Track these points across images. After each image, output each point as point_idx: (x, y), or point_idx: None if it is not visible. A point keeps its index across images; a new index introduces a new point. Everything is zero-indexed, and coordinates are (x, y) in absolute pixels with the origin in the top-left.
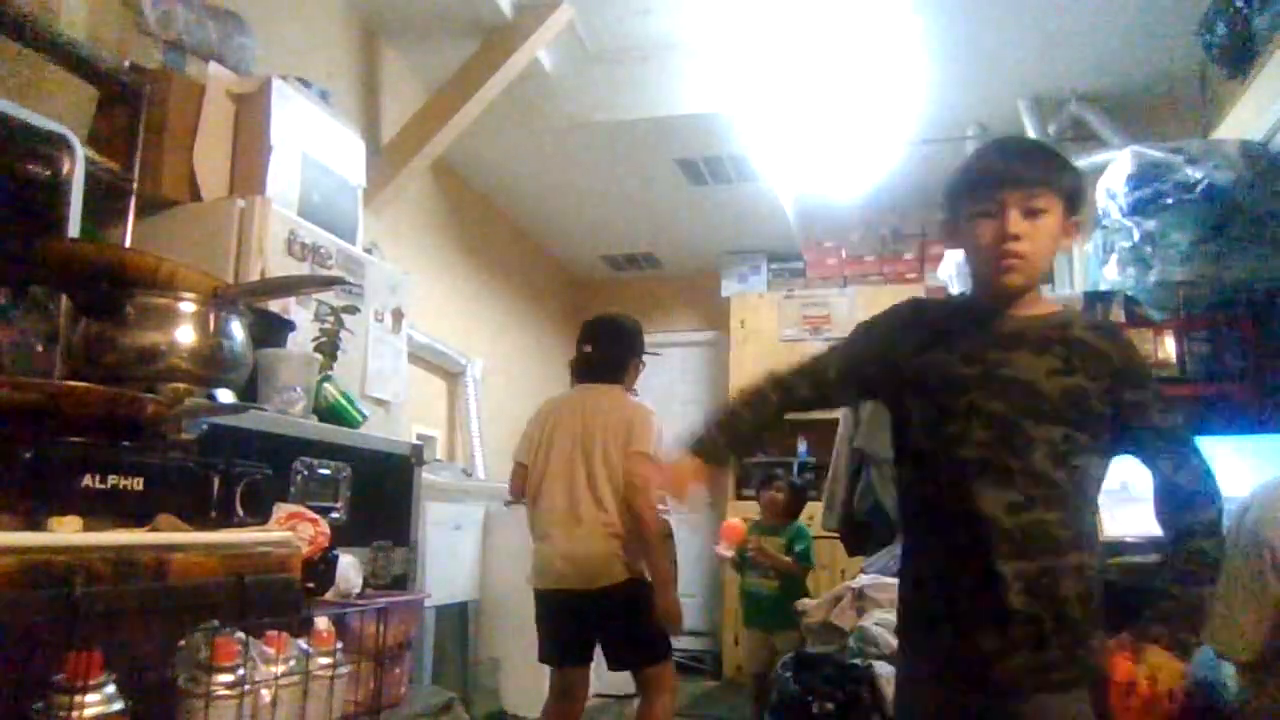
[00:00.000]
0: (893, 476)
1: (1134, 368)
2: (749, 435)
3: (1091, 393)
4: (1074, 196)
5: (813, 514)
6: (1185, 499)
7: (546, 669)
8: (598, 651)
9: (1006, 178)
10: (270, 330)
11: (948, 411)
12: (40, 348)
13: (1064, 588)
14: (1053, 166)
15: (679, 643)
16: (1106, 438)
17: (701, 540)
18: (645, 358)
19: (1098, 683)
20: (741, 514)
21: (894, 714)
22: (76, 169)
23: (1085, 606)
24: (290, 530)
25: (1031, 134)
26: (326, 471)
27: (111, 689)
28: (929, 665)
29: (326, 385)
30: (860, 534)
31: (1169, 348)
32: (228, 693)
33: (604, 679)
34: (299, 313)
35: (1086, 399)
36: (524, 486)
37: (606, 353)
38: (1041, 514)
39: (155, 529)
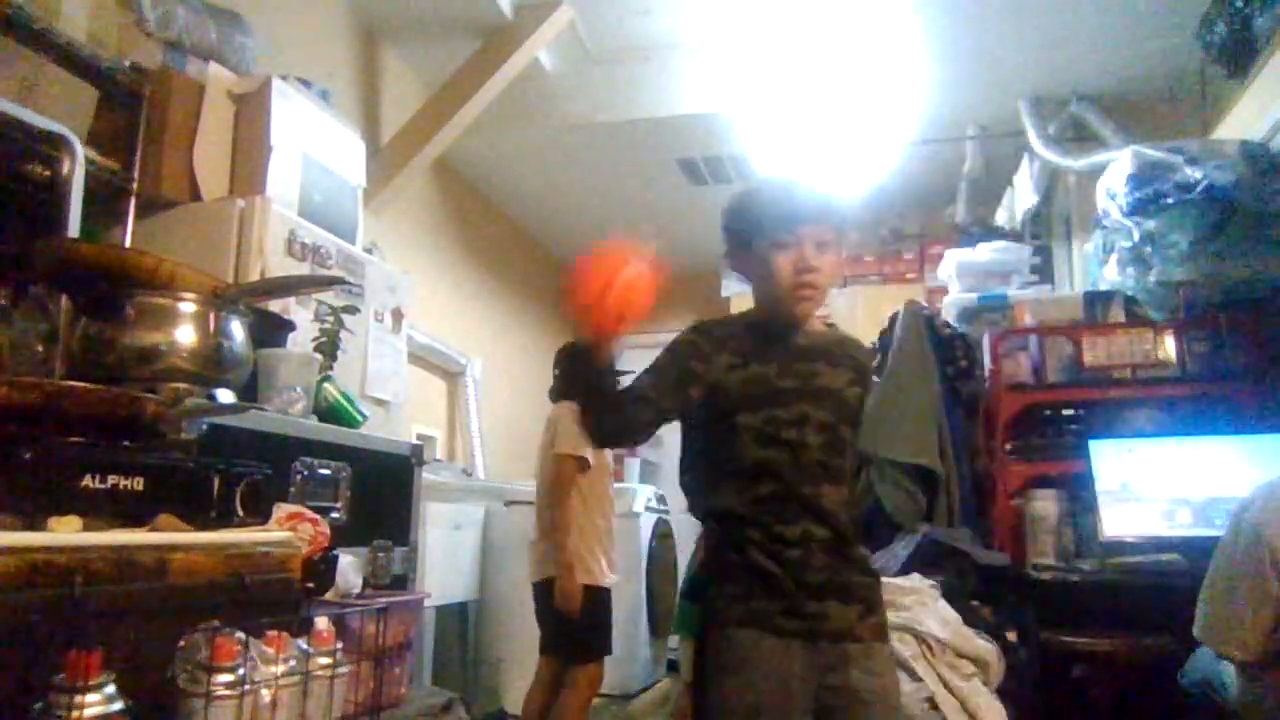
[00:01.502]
0: (892, 479)
1: (872, 373)
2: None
3: (861, 397)
4: (843, 232)
5: None
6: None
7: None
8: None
9: (804, 215)
10: (270, 330)
11: (781, 422)
12: (40, 348)
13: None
14: (835, 207)
15: (672, 640)
16: None
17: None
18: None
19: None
20: None
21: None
22: (76, 169)
23: (874, 578)
24: (290, 530)
25: (1032, 134)
26: (326, 471)
27: (111, 689)
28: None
29: (326, 385)
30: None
31: (1169, 348)
32: (228, 693)
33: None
34: (299, 313)
35: (862, 404)
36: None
37: (564, 378)
38: (852, 508)
39: (155, 529)
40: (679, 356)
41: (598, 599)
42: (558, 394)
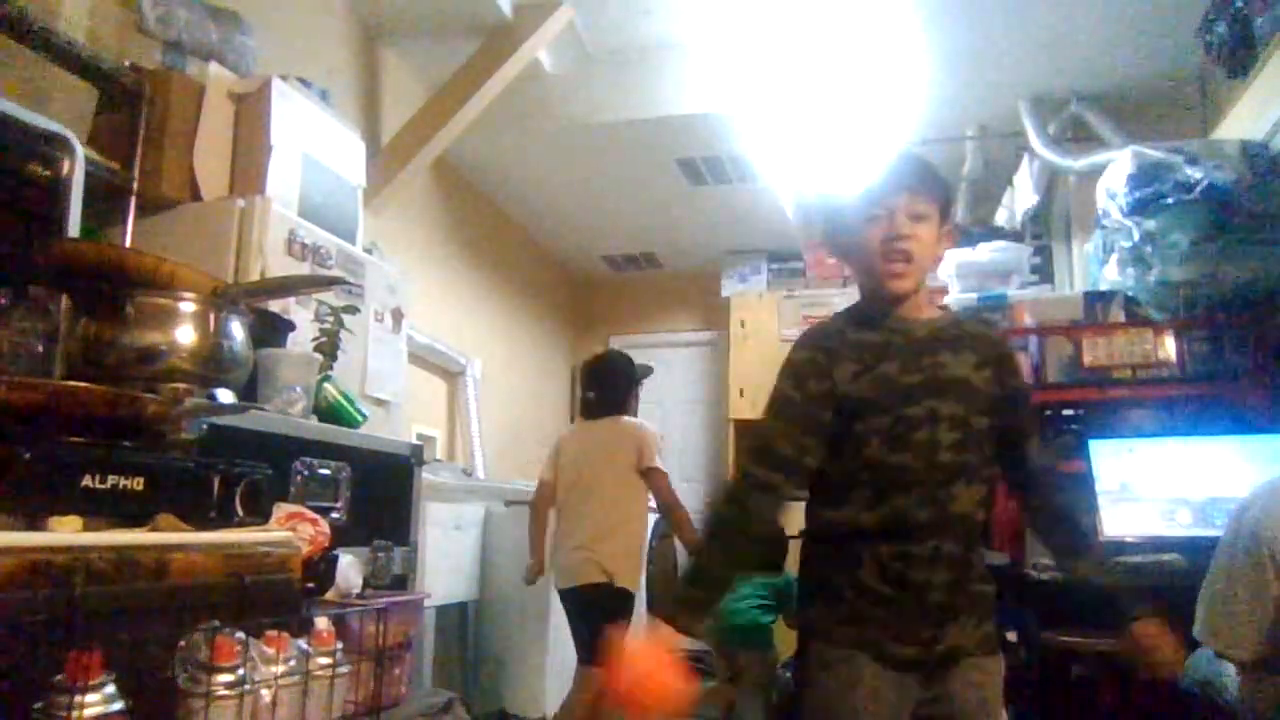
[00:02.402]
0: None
1: (1010, 353)
2: (729, 573)
3: (994, 380)
4: (948, 205)
5: None
6: (1062, 481)
7: (549, 669)
8: None
9: (895, 185)
10: (270, 330)
11: (908, 422)
12: (40, 348)
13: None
14: (930, 175)
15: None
16: None
17: None
18: (645, 375)
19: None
20: None
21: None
22: (76, 169)
23: (988, 585)
24: (290, 530)
25: (1032, 134)
26: (326, 471)
27: (111, 689)
28: (875, 652)
29: (326, 385)
30: None
31: (1169, 348)
32: (228, 693)
33: None
34: (299, 313)
35: (994, 387)
36: (548, 499)
37: (605, 395)
38: (990, 503)
39: (155, 529)
40: (800, 380)
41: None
42: (598, 410)
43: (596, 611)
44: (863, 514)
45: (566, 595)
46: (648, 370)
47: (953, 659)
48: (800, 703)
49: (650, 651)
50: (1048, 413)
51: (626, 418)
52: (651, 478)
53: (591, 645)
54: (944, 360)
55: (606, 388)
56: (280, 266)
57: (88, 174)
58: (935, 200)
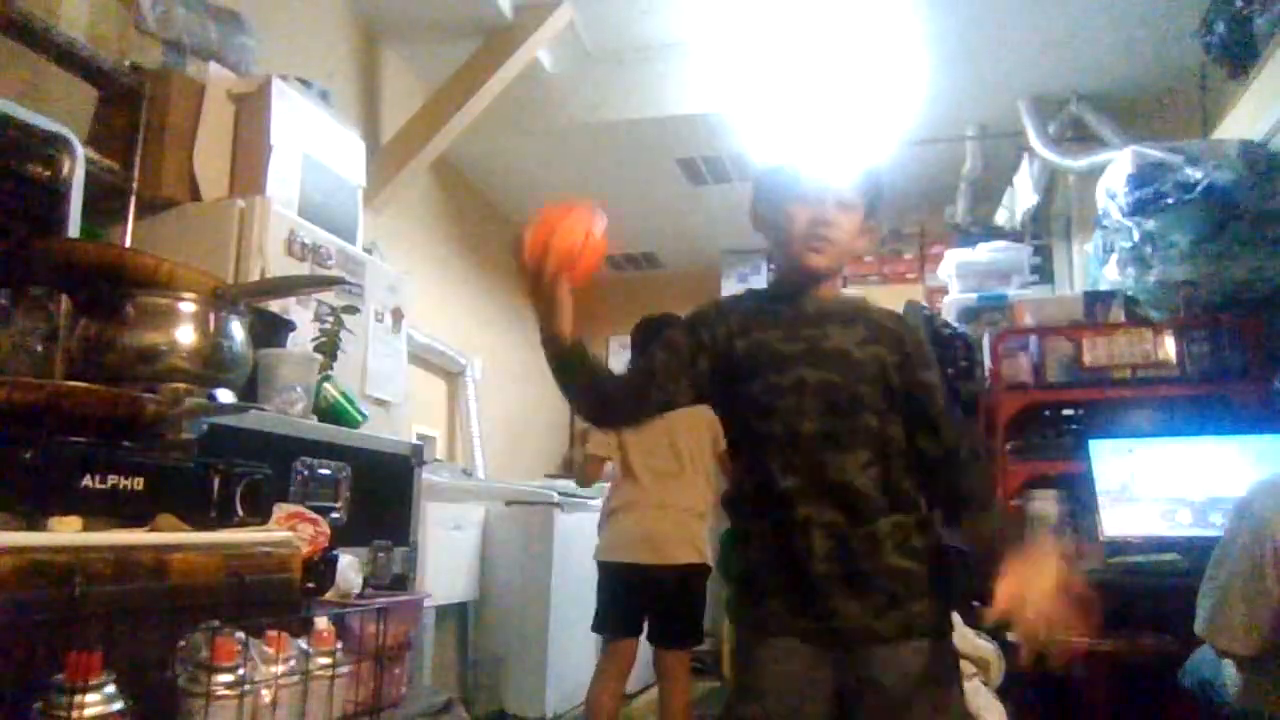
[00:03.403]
0: None
1: (924, 351)
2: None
3: (890, 365)
4: (875, 203)
5: None
6: (964, 465)
7: (549, 669)
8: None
9: (826, 170)
10: (270, 330)
11: (778, 390)
12: (40, 348)
13: (908, 543)
14: (864, 172)
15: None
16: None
17: None
18: None
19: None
20: None
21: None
22: (76, 169)
23: (914, 560)
24: (290, 530)
25: (1031, 134)
26: (326, 471)
27: (111, 689)
28: (776, 626)
29: (326, 385)
30: None
31: (1169, 348)
32: (228, 693)
33: None
34: (299, 313)
35: (887, 369)
36: (598, 475)
37: None
38: (894, 474)
39: (155, 529)
40: (688, 327)
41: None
42: None
43: (686, 594)
44: (744, 482)
45: (628, 570)
46: None
47: (869, 639)
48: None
49: (558, 211)
50: (1048, 413)
51: None
52: (725, 462)
53: (671, 626)
54: (828, 333)
55: None
56: (280, 266)
57: (88, 174)
58: (863, 194)
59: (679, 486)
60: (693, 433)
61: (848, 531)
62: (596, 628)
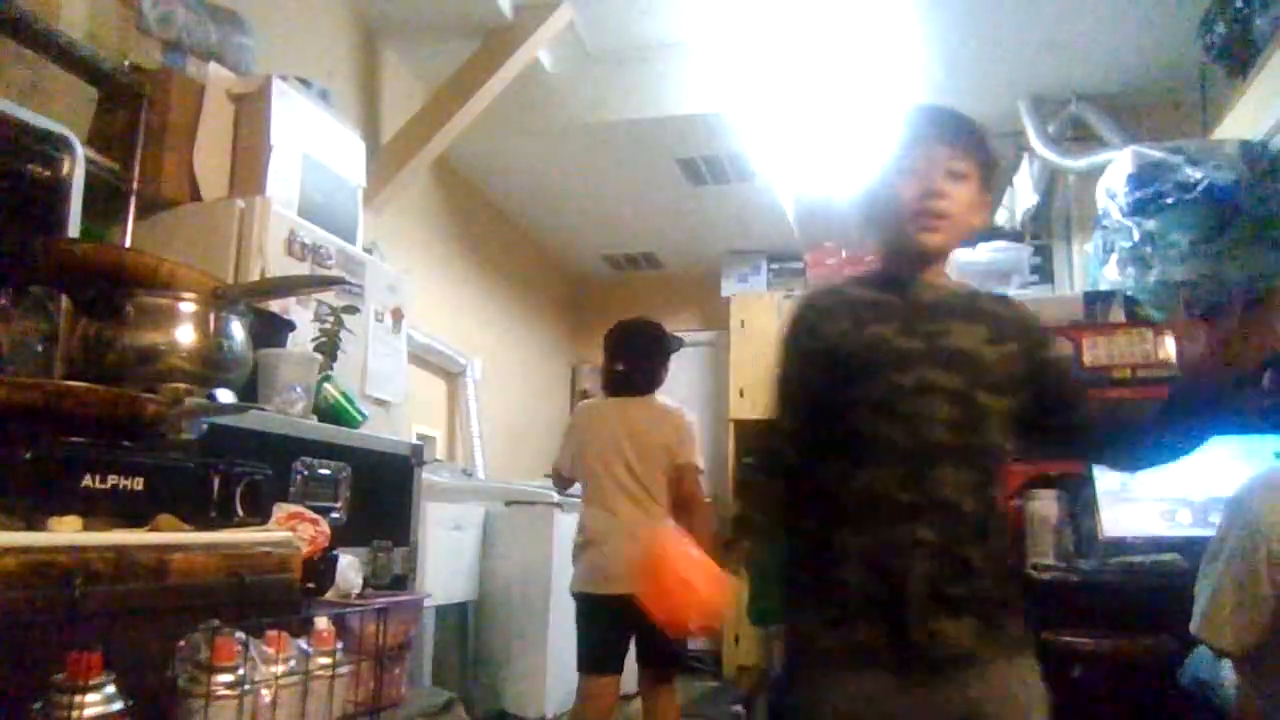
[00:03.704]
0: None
1: (1039, 327)
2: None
3: (1019, 358)
4: (989, 170)
5: None
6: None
7: (549, 669)
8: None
9: (933, 136)
10: (270, 330)
11: (900, 391)
12: (40, 348)
13: (997, 564)
14: (975, 135)
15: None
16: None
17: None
18: (677, 348)
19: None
20: None
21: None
22: (76, 169)
23: (1007, 581)
24: (290, 530)
25: (1031, 134)
26: (326, 471)
27: (111, 689)
28: (865, 657)
29: (326, 385)
30: None
31: (1169, 348)
32: (228, 693)
33: None
34: (299, 313)
35: (1017, 367)
36: (563, 485)
37: (638, 369)
38: (991, 493)
39: (155, 529)
40: (790, 342)
41: None
42: (629, 386)
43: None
44: (840, 489)
45: (611, 600)
46: (679, 343)
47: (970, 662)
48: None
49: (671, 553)
50: None
51: (662, 399)
52: (687, 475)
53: (654, 654)
54: (949, 328)
55: (640, 360)
56: (280, 266)
57: (88, 174)
58: (977, 162)
59: (638, 504)
60: (645, 439)
61: (949, 552)
62: (581, 665)
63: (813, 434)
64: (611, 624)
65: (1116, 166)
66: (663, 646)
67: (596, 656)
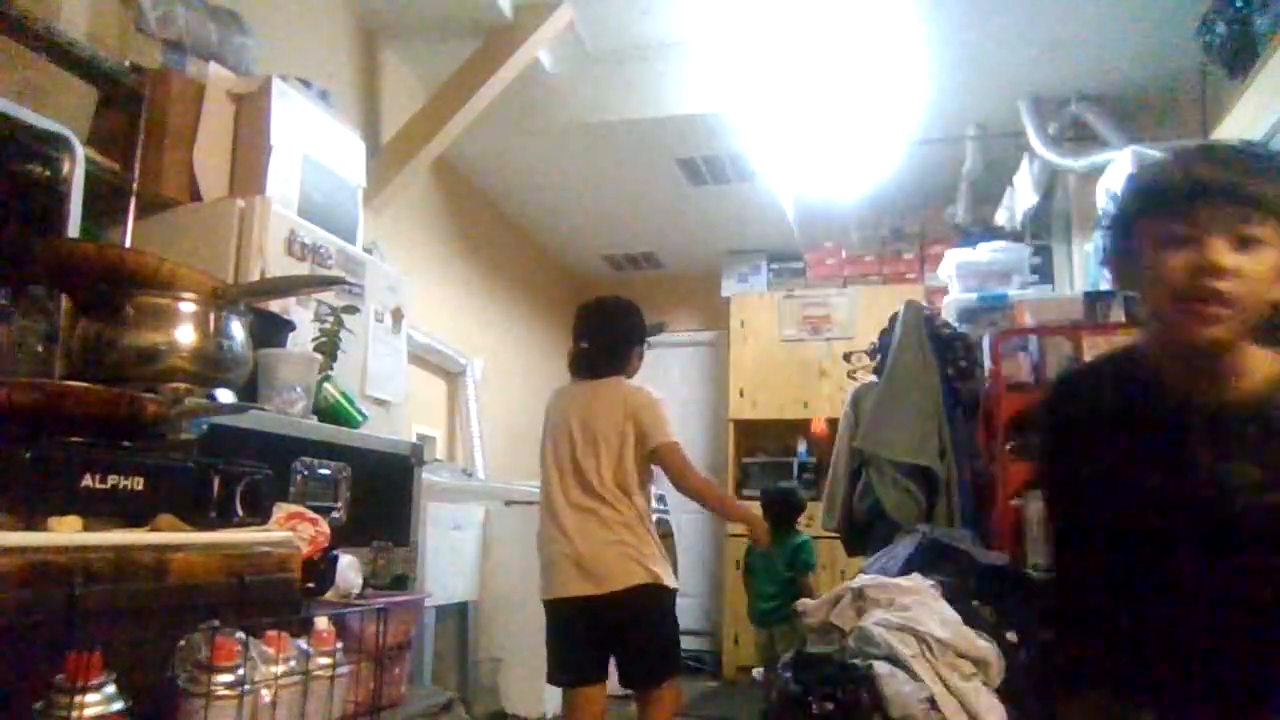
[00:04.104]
0: (892, 479)
1: None
2: None
3: None
4: None
5: (812, 515)
6: None
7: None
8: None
9: (1210, 189)
10: (270, 330)
11: (1141, 539)
12: (40, 348)
13: None
14: (1268, 181)
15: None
16: None
17: (702, 543)
18: (655, 333)
19: None
20: None
21: None
22: (76, 169)
23: None
24: (290, 530)
25: (1031, 134)
26: (326, 471)
27: (111, 689)
28: None
29: (326, 385)
30: (860, 534)
31: None
32: (228, 693)
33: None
34: (299, 313)
35: None
36: None
37: (603, 346)
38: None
39: (155, 529)
40: (1047, 480)
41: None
42: (590, 367)
43: (646, 618)
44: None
45: (561, 605)
46: (659, 328)
47: None
48: None
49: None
50: None
51: (626, 380)
52: (662, 456)
53: (637, 663)
54: (1236, 460)
55: (604, 338)
56: (280, 266)
57: (88, 174)
58: (1274, 215)
59: (601, 496)
60: (602, 424)
61: None
62: (550, 678)
63: None
64: (568, 630)
65: (1116, 166)
66: (641, 659)
67: (564, 663)
